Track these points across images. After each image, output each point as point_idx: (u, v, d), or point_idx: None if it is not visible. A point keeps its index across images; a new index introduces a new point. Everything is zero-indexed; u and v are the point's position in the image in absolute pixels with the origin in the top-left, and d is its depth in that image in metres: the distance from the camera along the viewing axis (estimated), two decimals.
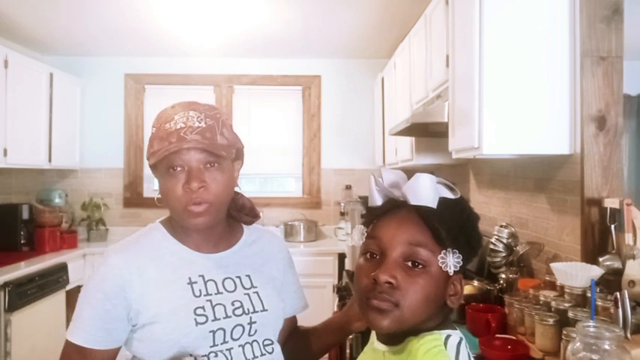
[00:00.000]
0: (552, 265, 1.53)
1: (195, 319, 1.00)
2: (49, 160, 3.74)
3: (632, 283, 1.38)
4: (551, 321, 1.35)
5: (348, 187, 4.32)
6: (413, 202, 0.74)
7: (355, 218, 2.70)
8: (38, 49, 4.07)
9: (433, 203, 0.74)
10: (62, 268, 3.32)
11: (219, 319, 1.02)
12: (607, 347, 1.01)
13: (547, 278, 1.65)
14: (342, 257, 3.66)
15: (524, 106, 1.68)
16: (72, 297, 3.51)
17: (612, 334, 1.02)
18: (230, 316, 1.03)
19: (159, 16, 3.30)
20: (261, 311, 1.07)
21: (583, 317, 1.26)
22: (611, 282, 1.47)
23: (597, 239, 1.62)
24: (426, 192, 0.74)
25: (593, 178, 1.64)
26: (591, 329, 1.04)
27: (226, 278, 1.06)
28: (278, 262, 1.18)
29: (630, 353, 1.04)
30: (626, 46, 1.68)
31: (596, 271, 1.43)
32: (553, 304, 1.42)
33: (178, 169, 0.97)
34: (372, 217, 0.81)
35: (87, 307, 1.00)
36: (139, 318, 1.00)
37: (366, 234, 0.81)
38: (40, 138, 3.63)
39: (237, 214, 1.15)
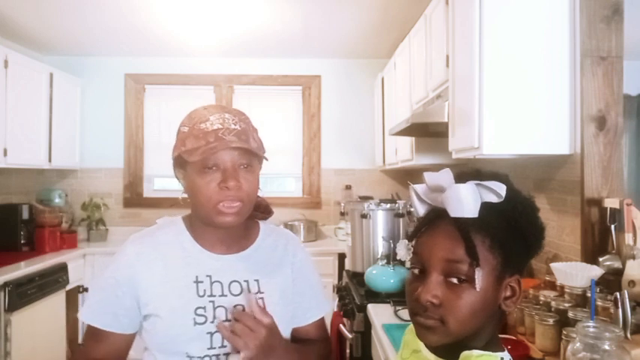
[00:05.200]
0: (552, 265, 1.53)
1: (194, 319, 1.01)
2: (49, 160, 3.74)
3: (632, 283, 1.38)
4: (551, 321, 1.35)
5: (348, 187, 4.32)
6: (452, 214, 0.72)
7: (355, 218, 2.70)
8: (38, 49, 4.07)
9: (473, 213, 0.71)
10: (62, 268, 3.32)
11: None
12: (607, 347, 1.01)
13: (547, 278, 1.65)
14: (342, 257, 3.66)
15: (524, 106, 1.68)
16: (72, 297, 3.51)
17: (612, 335, 1.01)
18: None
19: (159, 16, 3.30)
20: None
21: (583, 317, 1.25)
22: (611, 282, 1.47)
23: (597, 239, 1.62)
24: (465, 203, 0.70)
25: (593, 178, 1.64)
26: (591, 329, 1.04)
27: (233, 281, 1.06)
28: (291, 268, 1.16)
29: (630, 353, 1.04)
30: (626, 46, 1.68)
31: (596, 271, 1.43)
32: (553, 304, 1.42)
33: (213, 167, 0.99)
34: (416, 229, 0.78)
35: (99, 291, 1.07)
36: (145, 309, 1.04)
37: (412, 248, 0.78)
38: (40, 138, 3.63)
39: (253, 212, 1.15)
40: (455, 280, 0.71)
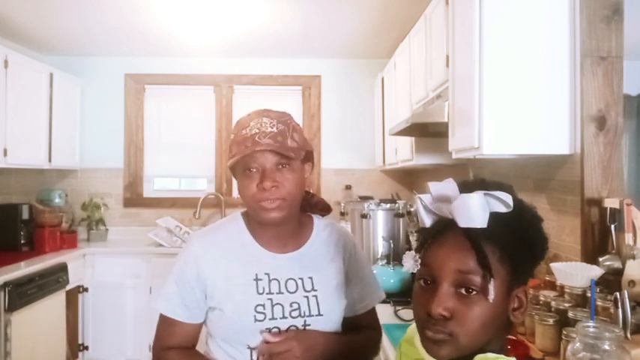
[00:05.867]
0: (552, 265, 1.53)
1: (254, 316, 1.09)
2: (49, 160, 3.73)
3: (632, 283, 1.38)
4: (551, 321, 1.35)
5: (348, 187, 4.31)
6: (461, 224, 0.70)
7: (355, 218, 2.70)
8: (38, 49, 4.07)
9: (482, 224, 0.69)
10: (62, 268, 3.31)
11: (277, 318, 1.10)
12: (607, 347, 1.01)
13: (547, 278, 1.65)
14: None
15: (524, 106, 1.68)
16: (72, 297, 3.51)
17: (612, 334, 1.01)
18: (286, 317, 1.10)
19: (159, 16, 3.30)
20: (317, 315, 1.12)
21: (583, 317, 1.25)
22: (611, 282, 1.47)
23: (597, 239, 1.62)
24: (474, 212, 0.69)
25: (593, 178, 1.64)
26: (591, 329, 1.04)
27: (289, 279, 1.13)
28: (345, 261, 1.21)
29: (630, 353, 1.04)
30: (626, 46, 1.68)
31: (596, 271, 1.43)
32: (553, 304, 1.42)
33: (254, 170, 1.07)
34: (424, 240, 0.77)
35: (172, 284, 1.15)
36: (211, 302, 1.13)
37: (419, 260, 0.77)
38: (40, 138, 3.63)
39: (311, 210, 1.25)
40: (464, 292, 0.70)
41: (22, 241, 3.48)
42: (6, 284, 2.70)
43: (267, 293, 1.11)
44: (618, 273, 1.46)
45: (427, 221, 0.76)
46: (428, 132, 2.55)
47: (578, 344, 1.05)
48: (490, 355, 0.71)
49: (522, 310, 0.74)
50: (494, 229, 0.70)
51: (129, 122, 4.32)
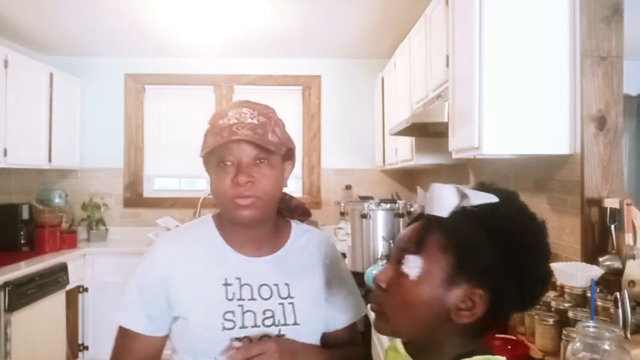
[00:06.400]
0: (552, 265, 1.52)
1: (222, 324, 0.98)
2: (49, 160, 3.74)
3: (632, 283, 1.38)
4: (551, 321, 1.35)
5: (348, 187, 4.32)
6: (425, 211, 0.75)
7: (355, 218, 2.70)
8: (38, 49, 4.07)
9: (442, 213, 0.71)
10: (62, 268, 3.32)
11: (247, 326, 0.99)
12: (607, 347, 1.01)
13: None
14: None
15: (524, 106, 1.68)
16: (72, 297, 3.51)
17: (612, 334, 1.01)
18: (259, 326, 1.00)
19: (159, 16, 3.30)
20: (293, 324, 1.02)
21: (583, 317, 1.25)
22: (611, 282, 1.47)
23: (597, 239, 1.62)
24: (438, 201, 0.72)
25: (593, 178, 1.64)
26: (591, 329, 1.04)
27: (263, 285, 1.03)
28: (324, 270, 1.11)
29: (630, 353, 1.04)
30: (626, 46, 1.68)
31: (596, 271, 1.43)
32: (553, 304, 1.42)
33: (229, 163, 0.97)
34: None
35: (133, 292, 1.04)
36: (175, 310, 1.02)
37: None
38: (40, 138, 3.63)
39: (289, 214, 1.15)
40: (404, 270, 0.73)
41: (22, 241, 3.48)
42: (6, 284, 2.71)
43: (237, 299, 1.00)
44: (618, 273, 1.46)
45: (417, 211, 0.81)
46: (428, 132, 2.55)
47: (578, 344, 1.05)
48: (478, 357, 0.69)
49: (470, 313, 0.69)
50: (453, 220, 0.71)
51: (129, 122, 4.32)
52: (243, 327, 0.99)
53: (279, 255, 1.08)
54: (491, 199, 0.70)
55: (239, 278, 1.02)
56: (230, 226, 1.05)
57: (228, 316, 0.99)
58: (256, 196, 0.97)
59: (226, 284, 1.01)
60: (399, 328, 0.74)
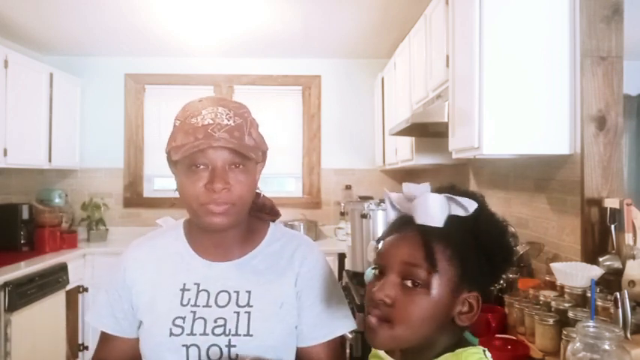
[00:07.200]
0: (552, 265, 1.53)
1: (170, 329, 0.95)
2: (49, 160, 3.73)
3: (632, 283, 1.38)
4: (551, 321, 1.35)
5: (348, 187, 4.31)
6: (418, 221, 0.74)
7: (355, 218, 2.70)
8: (38, 49, 4.07)
9: (438, 223, 0.72)
10: (62, 268, 3.31)
11: (196, 334, 0.95)
12: (607, 347, 1.01)
13: (547, 278, 1.65)
14: (342, 257, 3.66)
15: (524, 105, 1.68)
16: (72, 297, 3.51)
17: (612, 334, 1.01)
18: (207, 334, 0.95)
19: (159, 16, 3.30)
20: (245, 335, 0.95)
21: (583, 317, 1.25)
22: (611, 282, 1.47)
23: (597, 239, 1.62)
24: (432, 211, 0.72)
25: (593, 178, 1.64)
26: (591, 329, 1.04)
27: (222, 291, 0.98)
28: (297, 279, 1.03)
29: (630, 353, 1.04)
30: (626, 46, 1.68)
31: (596, 271, 1.43)
32: (553, 304, 1.42)
33: (201, 166, 0.91)
34: (384, 233, 0.80)
35: (102, 293, 1.07)
36: (137, 313, 1.02)
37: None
38: (40, 138, 3.63)
39: (257, 214, 1.08)
40: (410, 284, 0.72)
41: (22, 241, 3.48)
42: (6, 284, 2.70)
43: (191, 305, 0.96)
44: (618, 273, 1.46)
45: (392, 216, 0.81)
46: (428, 132, 2.55)
47: (578, 344, 1.05)
48: (472, 348, 0.73)
49: (471, 315, 0.74)
50: (450, 230, 0.72)
51: (129, 122, 4.31)
52: (191, 334, 0.95)
53: (246, 260, 1.02)
54: (473, 203, 0.73)
55: (198, 284, 0.99)
56: (197, 230, 1.02)
57: (178, 322, 0.96)
58: (231, 202, 0.92)
59: (184, 289, 0.99)
60: (404, 340, 0.73)
